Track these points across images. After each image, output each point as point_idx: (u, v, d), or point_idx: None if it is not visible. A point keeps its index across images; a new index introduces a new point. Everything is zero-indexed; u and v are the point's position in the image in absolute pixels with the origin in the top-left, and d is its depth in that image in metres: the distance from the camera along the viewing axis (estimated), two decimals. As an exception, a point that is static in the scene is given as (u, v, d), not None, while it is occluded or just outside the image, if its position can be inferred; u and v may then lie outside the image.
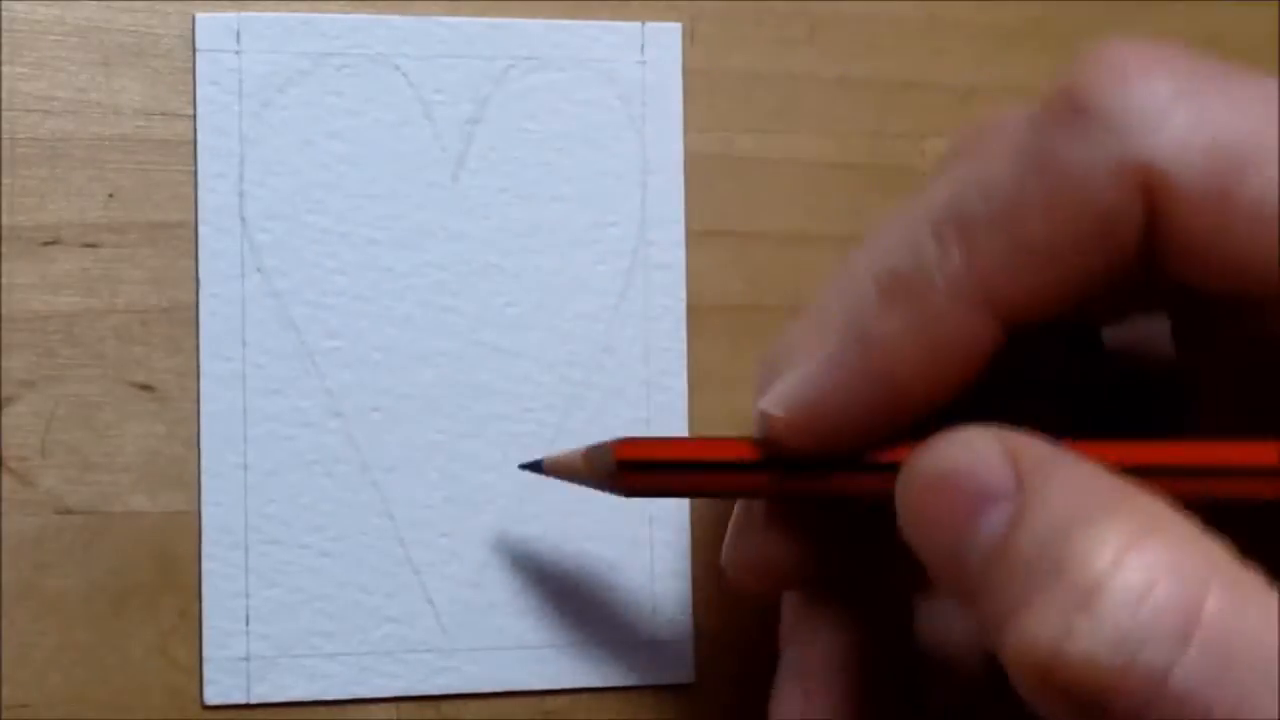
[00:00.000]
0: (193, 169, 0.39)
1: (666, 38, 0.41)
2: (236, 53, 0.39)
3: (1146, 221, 0.27)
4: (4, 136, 0.38)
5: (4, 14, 0.38)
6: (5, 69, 0.38)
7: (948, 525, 0.27)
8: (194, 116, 0.39)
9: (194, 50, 0.39)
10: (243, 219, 0.39)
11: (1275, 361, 0.28)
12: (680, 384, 0.40)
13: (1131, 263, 0.27)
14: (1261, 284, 0.26)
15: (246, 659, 0.38)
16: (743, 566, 0.33)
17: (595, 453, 0.35)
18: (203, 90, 0.39)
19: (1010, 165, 0.27)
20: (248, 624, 0.38)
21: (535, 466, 0.38)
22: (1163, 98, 0.26)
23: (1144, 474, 0.26)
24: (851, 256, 0.31)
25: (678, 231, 0.41)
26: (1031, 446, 0.27)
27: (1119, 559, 0.24)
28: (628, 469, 0.34)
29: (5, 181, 0.38)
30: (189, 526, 0.38)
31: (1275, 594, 0.24)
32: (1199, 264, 0.27)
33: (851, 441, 0.29)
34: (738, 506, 0.33)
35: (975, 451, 0.27)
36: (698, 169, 0.41)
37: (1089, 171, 0.27)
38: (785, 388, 0.30)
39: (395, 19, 0.40)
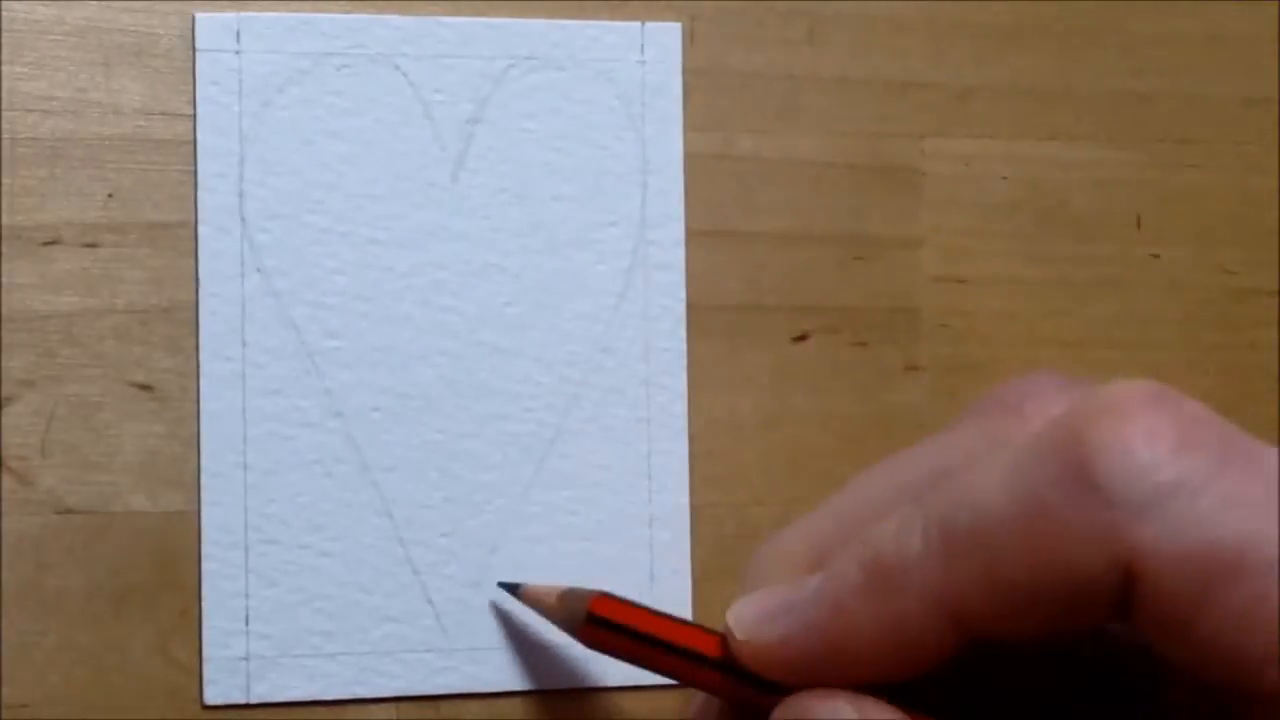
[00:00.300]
0: (193, 169, 0.39)
1: (666, 38, 0.41)
2: (236, 53, 0.39)
3: (1124, 596, 0.27)
4: (4, 136, 0.38)
5: (4, 14, 0.38)
6: (5, 69, 0.38)
7: None
8: (194, 116, 0.39)
9: (194, 50, 0.39)
10: (243, 219, 0.39)
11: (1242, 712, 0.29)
12: (680, 384, 0.40)
13: (1104, 618, 0.28)
14: (1231, 683, 0.27)
15: (246, 659, 0.38)
16: None
17: (571, 596, 0.36)
18: (203, 90, 0.39)
19: (1004, 497, 0.28)
20: (248, 624, 0.38)
21: (513, 589, 0.38)
22: (1164, 482, 0.27)
23: None
24: (868, 475, 0.32)
25: (678, 231, 0.41)
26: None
27: None
28: (595, 624, 0.34)
29: (5, 181, 0.38)
30: (189, 526, 0.38)
31: None
32: (1169, 648, 0.27)
33: (804, 679, 0.30)
34: (703, 695, 0.34)
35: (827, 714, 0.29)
36: (698, 169, 0.41)
37: (1074, 540, 0.27)
38: (753, 609, 0.31)
39: (395, 19, 0.40)
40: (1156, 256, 0.43)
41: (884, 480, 0.32)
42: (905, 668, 0.29)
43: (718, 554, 0.40)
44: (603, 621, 0.34)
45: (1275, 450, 0.27)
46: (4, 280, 0.38)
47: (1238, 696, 0.27)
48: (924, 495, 0.29)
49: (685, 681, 0.33)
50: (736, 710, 0.32)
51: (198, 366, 0.38)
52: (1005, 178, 0.43)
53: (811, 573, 0.30)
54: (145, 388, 0.38)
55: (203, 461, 0.38)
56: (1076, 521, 0.27)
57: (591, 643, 0.35)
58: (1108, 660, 0.30)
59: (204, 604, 0.38)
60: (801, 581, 0.30)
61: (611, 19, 0.41)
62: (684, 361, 0.40)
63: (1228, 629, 0.26)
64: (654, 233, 0.41)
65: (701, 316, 0.41)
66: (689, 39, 0.41)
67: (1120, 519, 0.27)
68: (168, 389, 0.38)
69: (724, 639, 0.31)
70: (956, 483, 0.29)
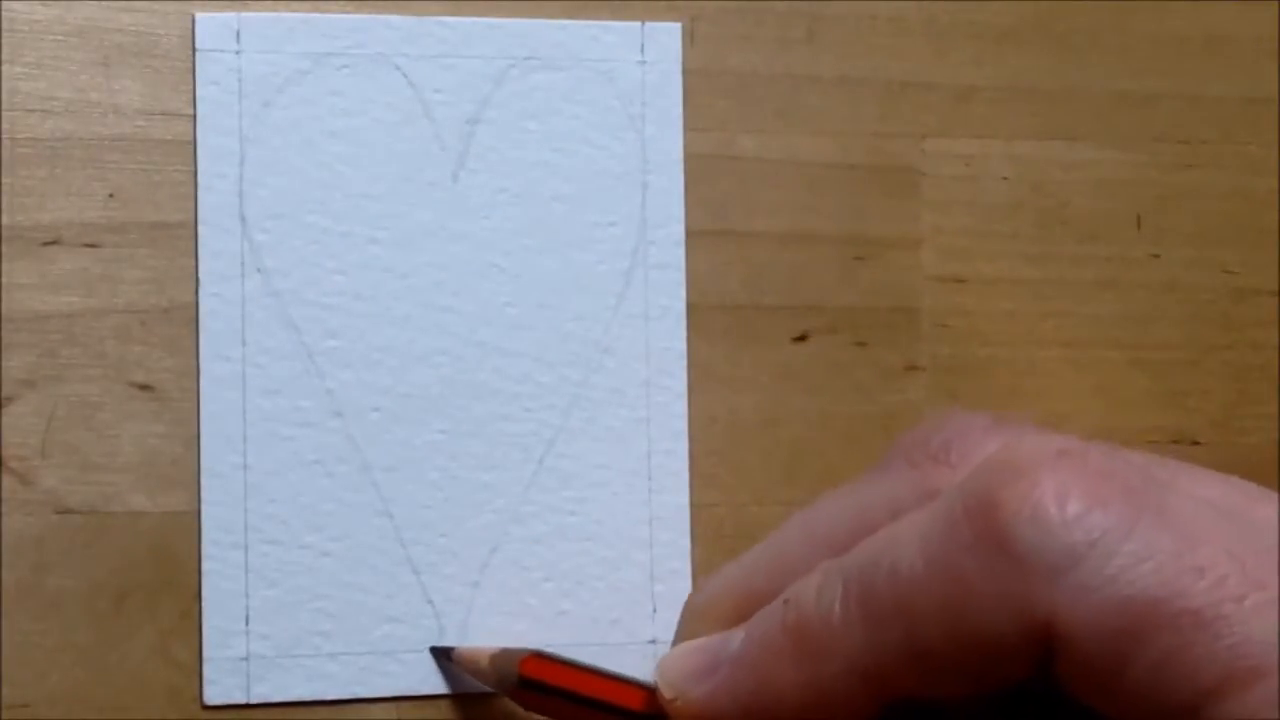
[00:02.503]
0: (193, 169, 0.39)
1: (666, 38, 0.41)
2: (236, 53, 0.39)
3: (1044, 657, 0.27)
4: (4, 136, 0.38)
5: (4, 14, 0.38)
6: (5, 69, 0.38)
7: None
8: (194, 116, 0.39)
9: (194, 50, 0.39)
10: (243, 219, 0.39)
11: None
12: (680, 384, 0.40)
13: (1026, 677, 0.28)
14: None
15: (246, 659, 0.38)
16: None
17: (502, 658, 0.36)
18: (203, 90, 0.39)
19: (921, 564, 0.28)
20: (248, 624, 0.38)
21: (445, 653, 0.38)
22: (1076, 543, 0.27)
23: None
24: (795, 521, 0.33)
25: (678, 231, 0.41)
26: None
27: None
28: (527, 686, 0.35)
29: (5, 181, 0.38)
30: (189, 526, 0.38)
31: None
32: (1096, 701, 0.27)
33: None
34: None
35: None
36: (698, 169, 0.41)
37: (991, 607, 0.27)
38: (681, 666, 0.32)
39: (395, 19, 0.40)
40: (1156, 256, 0.43)
41: (810, 528, 0.32)
42: None
43: (718, 554, 0.40)
44: (534, 684, 0.35)
45: (1189, 477, 0.28)
46: (4, 280, 0.38)
47: None
48: (846, 555, 0.30)
49: None
50: None
51: (198, 366, 0.38)
52: (1005, 178, 0.43)
53: (740, 622, 0.31)
54: (145, 388, 0.38)
55: (203, 461, 0.38)
56: (992, 589, 0.27)
57: (525, 704, 0.35)
58: (1043, 699, 0.31)
59: (204, 604, 0.38)
60: (727, 637, 0.31)
61: (611, 19, 0.41)
62: (684, 361, 0.40)
63: (1151, 682, 0.26)
64: (654, 233, 0.41)
65: (701, 316, 0.41)
66: (689, 39, 0.41)
67: (1035, 584, 0.27)
68: (168, 389, 0.38)
69: (653, 694, 0.32)
70: (876, 544, 0.29)
